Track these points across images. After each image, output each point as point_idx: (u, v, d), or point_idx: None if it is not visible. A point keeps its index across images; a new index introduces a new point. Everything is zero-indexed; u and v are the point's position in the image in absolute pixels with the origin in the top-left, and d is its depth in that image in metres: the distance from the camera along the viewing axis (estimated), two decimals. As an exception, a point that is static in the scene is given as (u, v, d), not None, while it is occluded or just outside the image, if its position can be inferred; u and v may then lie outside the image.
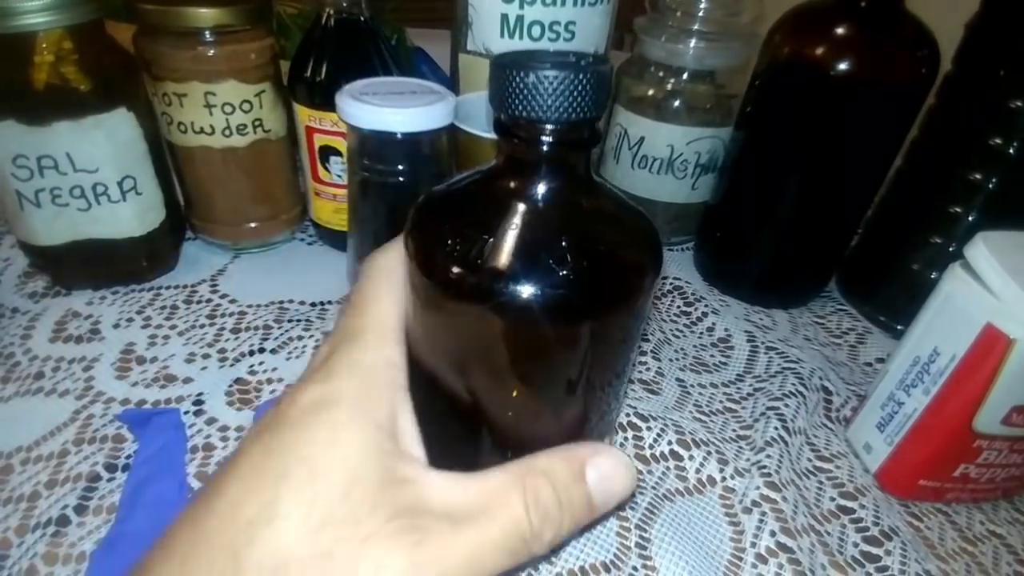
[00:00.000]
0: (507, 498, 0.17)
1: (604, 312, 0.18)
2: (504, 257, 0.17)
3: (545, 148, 0.17)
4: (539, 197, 0.17)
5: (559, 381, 0.19)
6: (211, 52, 0.35)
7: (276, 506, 0.15)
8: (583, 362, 0.19)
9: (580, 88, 0.15)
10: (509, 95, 0.16)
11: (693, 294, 0.44)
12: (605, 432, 0.24)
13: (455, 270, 0.17)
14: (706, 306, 0.43)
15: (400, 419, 0.18)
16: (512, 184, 0.18)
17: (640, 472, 0.31)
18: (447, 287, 0.17)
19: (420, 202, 0.20)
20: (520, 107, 0.16)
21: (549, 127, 0.16)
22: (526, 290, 0.16)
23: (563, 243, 0.17)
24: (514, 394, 0.19)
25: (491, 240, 0.17)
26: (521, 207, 0.17)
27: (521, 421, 0.20)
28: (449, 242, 0.17)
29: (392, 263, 0.20)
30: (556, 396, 0.19)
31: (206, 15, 0.34)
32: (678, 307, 0.43)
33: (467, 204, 0.19)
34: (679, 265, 0.47)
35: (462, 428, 0.21)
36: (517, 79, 0.15)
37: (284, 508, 0.15)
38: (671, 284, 0.45)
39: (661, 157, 0.44)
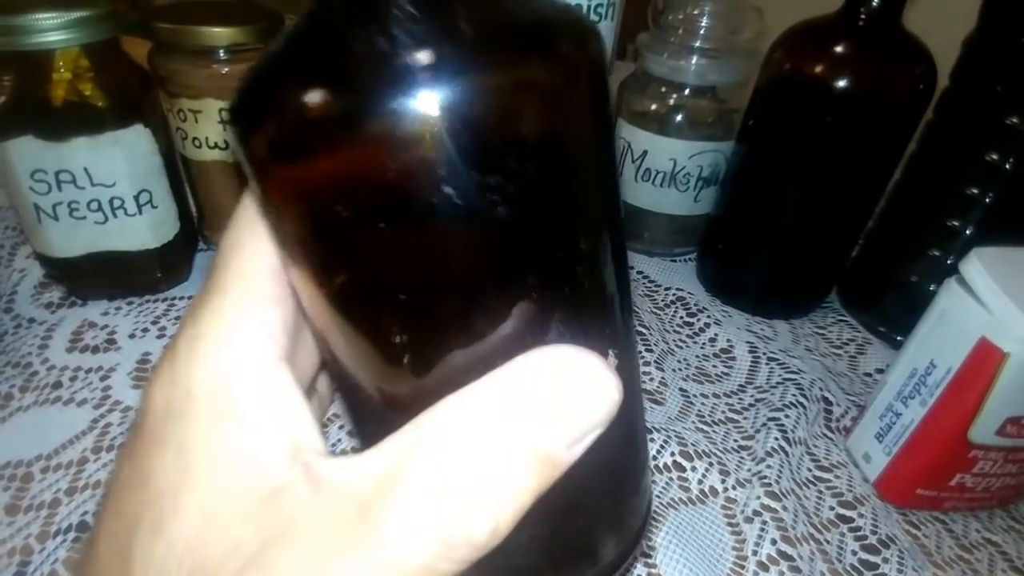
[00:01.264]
0: (398, 491, 0.11)
1: (568, 71, 0.12)
2: (377, 60, 0.10)
3: None
4: None
5: (520, 246, 0.12)
6: (225, 70, 0.36)
7: (130, 568, 0.12)
8: (552, 187, 0.12)
9: None
10: None
11: (696, 305, 0.45)
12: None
13: (312, 101, 0.11)
14: (708, 317, 0.43)
15: (277, 401, 0.13)
16: None
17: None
18: (309, 138, 0.11)
19: (237, 90, 0.12)
20: None
21: None
22: (439, 79, 0.10)
23: (460, 24, 0.11)
24: (450, 291, 0.12)
25: (351, 55, 0.11)
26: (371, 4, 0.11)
27: (453, 351, 0.12)
28: (292, 88, 0.11)
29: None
30: (515, 277, 0.12)
31: (221, 34, 0.35)
32: (681, 318, 0.44)
33: (297, 54, 0.12)
34: (682, 276, 0.48)
35: (379, 383, 0.14)
36: None
37: (138, 569, 0.12)
38: (674, 295, 0.46)
39: (664, 170, 0.45)
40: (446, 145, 0.10)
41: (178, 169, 0.40)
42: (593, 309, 0.13)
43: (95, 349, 0.36)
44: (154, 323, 0.38)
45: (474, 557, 0.11)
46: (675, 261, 0.50)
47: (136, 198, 0.36)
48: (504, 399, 0.11)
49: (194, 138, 0.38)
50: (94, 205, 0.35)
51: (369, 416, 0.15)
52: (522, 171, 0.11)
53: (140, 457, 0.13)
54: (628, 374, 0.14)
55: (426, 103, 0.10)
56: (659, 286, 0.47)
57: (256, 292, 0.14)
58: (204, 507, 0.12)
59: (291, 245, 0.13)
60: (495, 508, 0.11)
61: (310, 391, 0.18)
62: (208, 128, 0.37)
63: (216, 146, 0.38)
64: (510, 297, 0.12)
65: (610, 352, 0.13)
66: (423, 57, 0.10)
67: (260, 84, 0.12)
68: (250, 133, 0.12)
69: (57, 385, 0.34)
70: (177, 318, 0.39)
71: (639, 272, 0.48)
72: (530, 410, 0.11)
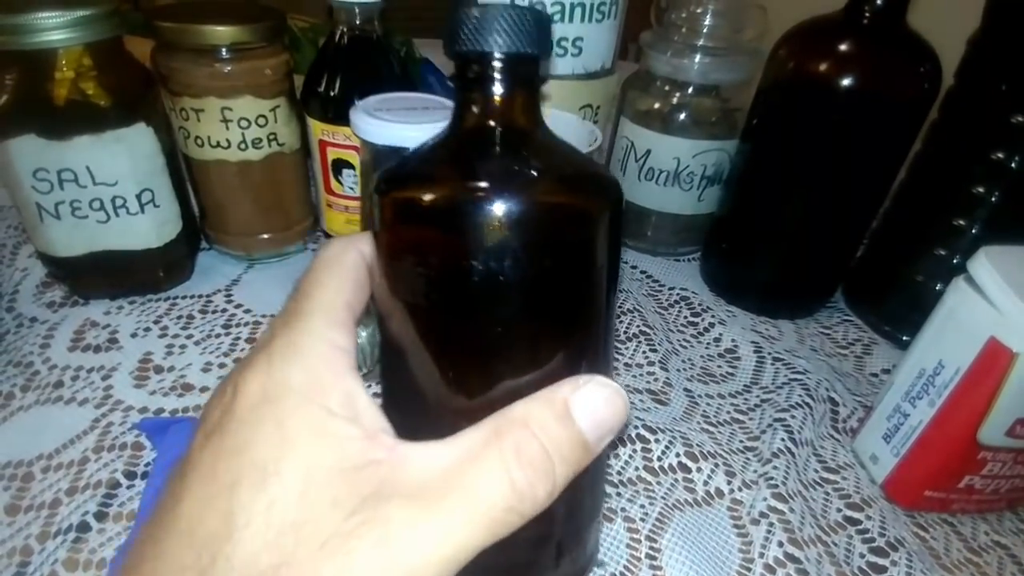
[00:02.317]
0: (483, 459, 0.15)
1: (577, 220, 0.18)
2: (471, 177, 0.17)
3: (494, 82, 0.17)
4: (494, 135, 0.18)
5: (550, 308, 0.18)
6: (228, 69, 0.36)
7: (233, 518, 0.14)
8: (563, 286, 0.18)
9: (523, 23, 0.17)
10: (457, 33, 0.17)
11: (700, 304, 0.44)
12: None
13: (426, 198, 0.18)
14: (713, 316, 0.43)
15: (356, 398, 0.16)
16: (470, 124, 0.18)
17: (649, 484, 0.31)
18: (427, 218, 0.18)
19: (382, 171, 0.20)
20: (468, 39, 0.17)
21: (498, 56, 0.17)
22: (503, 200, 0.16)
23: (531, 163, 0.18)
24: (498, 338, 0.18)
25: (457, 170, 0.18)
26: (483, 143, 0.18)
27: (502, 376, 0.18)
28: (417, 181, 0.18)
29: (341, 252, 0.20)
30: (544, 330, 0.18)
31: (223, 33, 0.35)
32: (685, 317, 0.43)
33: (434, 156, 0.19)
34: (686, 275, 0.48)
35: (441, 400, 0.19)
36: (463, 18, 0.17)
37: (241, 519, 0.14)
38: (678, 294, 0.45)
39: (667, 169, 0.44)
40: (488, 242, 0.17)
41: (180, 168, 0.40)
42: (605, 352, 0.20)
43: (97, 348, 0.36)
44: (156, 322, 0.38)
45: (533, 513, 0.15)
46: (679, 260, 0.50)
47: (138, 197, 0.36)
48: (563, 403, 0.16)
49: (196, 137, 0.38)
50: (96, 204, 0.35)
51: (424, 415, 0.19)
52: (548, 268, 0.18)
53: (234, 433, 0.16)
54: None
55: (483, 217, 0.16)
56: (663, 285, 0.46)
57: (335, 318, 0.18)
58: (303, 472, 0.15)
59: (393, 279, 0.19)
60: (553, 476, 0.16)
61: None
62: (210, 127, 0.37)
63: (218, 145, 0.38)
64: (550, 341, 0.18)
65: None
66: (492, 186, 0.16)
67: (400, 174, 0.19)
68: (384, 199, 0.18)
69: (58, 384, 0.34)
70: (179, 317, 0.39)
71: (643, 272, 0.48)
72: (582, 412, 0.16)
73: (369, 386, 0.36)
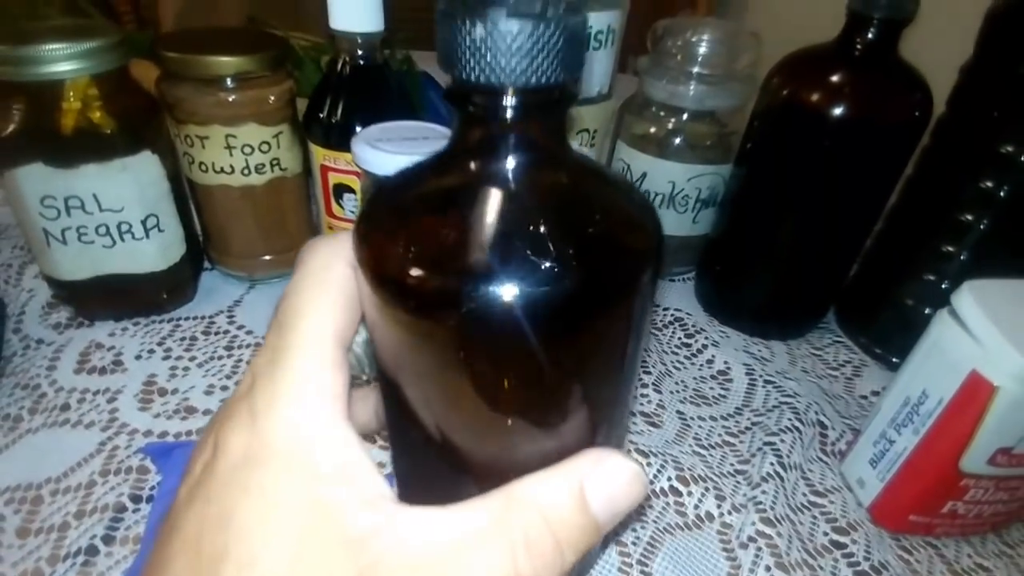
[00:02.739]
0: (490, 542, 0.14)
1: (601, 309, 0.15)
2: (472, 253, 0.14)
3: (507, 117, 0.13)
4: (507, 176, 0.14)
5: (552, 397, 0.16)
6: (232, 97, 0.37)
7: None
8: (579, 372, 0.16)
9: (544, 44, 0.12)
10: (458, 55, 0.13)
11: (694, 325, 0.45)
12: (615, 444, 0.20)
13: (413, 274, 0.14)
14: (706, 338, 0.44)
15: (348, 457, 0.15)
16: (472, 164, 0.15)
17: (641, 507, 0.32)
18: (406, 297, 0.14)
19: (369, 198, 0.16)
20: (471, 69, 0.13)
21: (509, 91, 0.13)
22: (503, 291, 0.13)
23: (542, 229, 0.14)
24: (500, 415, 0.16)
25: (451, 236, 0.14)
26: (486, 190, 0.14)
27: (510, 445, 0.16)
28: (403, 242, 0.15)
29: (326, 266, 0.17)
30: (550, 414, 0.16)
31: (228, 63, 0.35)
32: (679, 339, 0.44)
33: (422, 195, 0.16)
34: (680, 296, 0.48)
35: (441, 458, 0.17)
36: (464, 33, 0.12)
37: None
38: (672, 315, 0.46)
39: (663, 192, 0.45)
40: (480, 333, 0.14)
41: (184, 192, 0.40)
42: (624, 413, 0.18)
43: (102, 370, 0.37)
44: (160, 344, 0.39)
45: None
46: (673, 281, 0.50)
47: (144, 222, 0.37)
48: (579, 488, 0.15)
49: (201, 163, 0.39)
50: (102, 230, 0.36)
51: (426, 473, 0.18)
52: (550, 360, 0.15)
53: (217, 499, 0.15)
54: None
55: (486, 315, 0.13)
56: (657, 305, 0.47)
57: (323, 356, 0.16)
58: (292, 547, 0.14)
59: (389, 342, 0.16)
60: (561, 566, 0.14)
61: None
62: (214, 153, 0.38)
63: (222, 171, 0.39)
64: (566, 410, 0.16)
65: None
66: (498, 267, 0.13)
67: (384, 219, 0.16)
68: (377, 278, 0.15)
69: (65, 407, 0.34)
70: (182, 338, 0.40)
71: (638, 291, 0.49)
72: (598, 496, 0.15)
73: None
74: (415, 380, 0.16)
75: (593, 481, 0.15)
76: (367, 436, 0.28)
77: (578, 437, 0.17)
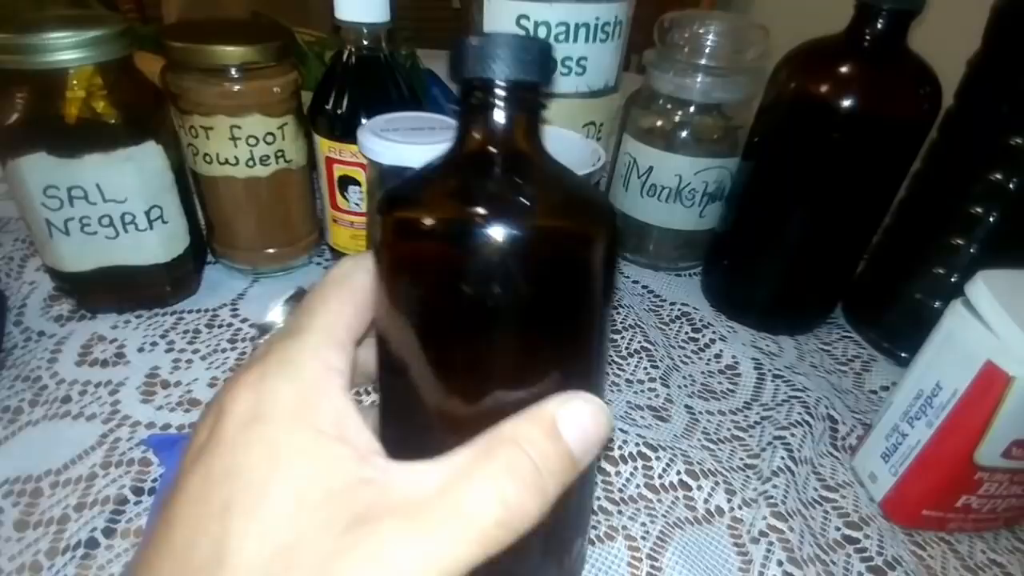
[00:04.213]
0: (474, 476, 0.15)
1: (570, 253, 0.18)
2: (472, 201, 0.17)
3: (498, 104, 0.18)
4: (498, 157, 0.18)
5: (530, 341, 0.19)
6: (237, 88, 0.36)
7: (225, 544, 0.14)
8: (552, 315, 0.19)
9: (524, 51, 0.17)
10: (464, 59, 0.17)
11: (701, 320, 0.45)
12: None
13: (426, 221, 0.18)
14: (714, 332, 0.43)
15: (346, 419, 0.16)
16: (472, 144, 0.19)
17: (651, 502, 0.31)
18: (420, 238, 0.18)
19: (385, 192, 0.20)
20: (473, 67, 0.17)
21: (501, 84, 0.17)
22: (500, 227, 0.16)
23: (528, 188, 0.18)
24: (485, 362, 0.19)
25: (461, 195, 0.18)
26: (482, 167, 0.19)
27: (490, 396, 0.19)
28: (418, 202, 0.19)
29: (350, 271, 0.20)
30: (527, 360, 0.19)
31: (233, 53, 0.35)
32: (686, 333, 0.44)
33: (434, 177, 0.20)
34: (687, 290, 0.48)
35: (427, 417, 0.20)
36: (470, 44, 0.17)
37: (234, 544, 0.14)
38: (679, 310, 0.46)
39: (669, 186, 0.45)
40: (484, 268, 0.17)
41: (188, 184, 0.40)
42: (597, 370, 0.21)
43: (104, 363, 0.36)
44: (163, 337, 0.39)
45: (525, 528, 0.15)
46: (680, 275, 0.50)
47: (147, 214, 0.36)
48: (551, 420, 0.17)
49: (205, 154, 0.38)
50: (105, 220, 0.36)
51: (418, 434, 0.20)
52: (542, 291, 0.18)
53: (222, 455, 0.16)
54: None
55: (479, 242, 0.17)
56: (664, 300, 0.47)
57: (333, 338, 0.18)
58: (294, 493, 0.15)
59: (391, 295, 0.19)
60: (543, 491, 0.16)
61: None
62: (219, 144, 0.38)
63: (227, 162, 0.38)
64: (543, 361, 0.19)
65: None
66: (490, 213, 0.17)
67: (401, 195, 0.19)
68: (386, 219, 0.18)
69: (66, 399, 0.34)
70: (185, 331, 0.39)
71: (644, 286, 0.48)
72: (569, 428, 0.17)
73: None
74: (412, 340, 0.19)
75: (562, 414, 0.17)
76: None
77: (550, 389, 0.19)
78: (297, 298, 0.22)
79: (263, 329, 0.21)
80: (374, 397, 0.36)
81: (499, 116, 0.18)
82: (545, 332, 0.19)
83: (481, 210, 0.17)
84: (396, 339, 0.19)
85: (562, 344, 0.19)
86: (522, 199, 0.18)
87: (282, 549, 0.14)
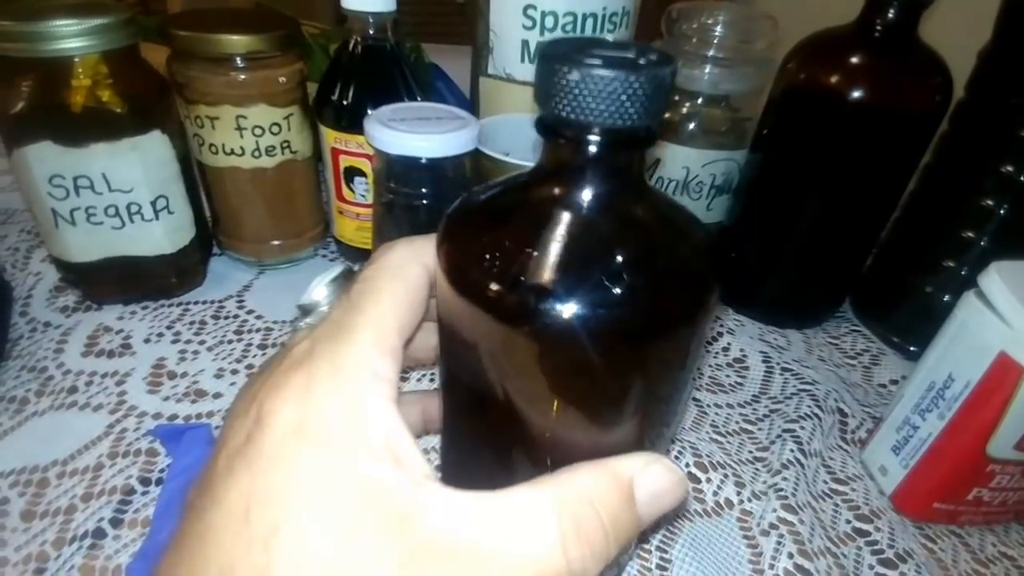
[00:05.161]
0: (542, 528, 0.14)
1: (663, 335, 0.16)
2: (548, 273, 0.15)
3: (591, 151, 0.15)
4: (586, 205, 0.16)
5: (609, 408, 0.17)
6: (243, 77, 0.36)
7: (270, 573, 0.13)
8: (635, 388, 0.17)
9: (632, 92, 0.14)
10: (553, 92, 0.14)
11: (707, 313, 0.45)
12: (659, 448, 0.21)
13: (493, 287, 0.15)
14: (721, 326, 0.43)
15: (398, 438, 0.15)
16: (555, 191, 0.16)
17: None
18: (483, 306, 0.16)
19: (452, 210, 0.18)
20: (564, 106, 0.14)
21: (596, 130, 0.15)
22: (573, 310, 0.15)
23: (615, 257, 0.16)
24: (556, 419, 0.17)
25: (533, 254, 0.15)
26: (566, 216, 0.16)
27: (563, 444, 0.18)
28: (486, 256, 0.16)
29: (404, 263, 0.18)
30: (603, 422, 0.18)
31: (239, 42, 0.35)
32: (693, 326, 0.44)
33: (505, 213, 0.18)
34: (693, 284, 0.48)
35: (495, 449, 0.19)
36: (561, 75, 0.14)
37: (280, 574, 0.13)
38: (686, 303, 0.46)
39: (677, 179, 0.45)
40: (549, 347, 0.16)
41: (194, 175, 0.40)
42: (670, 430, 0.20)
43: (110, 354, 0.36)
44: (169, 328, 0.38)
45: None
46: (687, 269, 0.50)
47: (153, 204, 0.36)
48: (628, 484, 0.16)
49: (211, 144, 0.38)
50: (111, 210, 0.35)
51: (474, 463, 0.19)
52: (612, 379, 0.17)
53: (266, 470, 0.14)
54: None
55: (553, 332, 0.15)
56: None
57: (384, 342, 0.16)
58: (343, 524, 0.14)
59: (460, 342, 0.17)
60: (607, 555, 0.15)
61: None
62: (225, 134, 0.38)
63: (232, 152, 0.38)
64: (620, 416, 0.18)
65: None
66: (566, 291, 0.15)
67: (464, 223, 0.18)
68: (457, 284, 0.17)
69: (73, 390, 0.34)
70: (192, 322, 0.39)
71: (651, 280, 0.48)
72: (644, 496, 0.16)
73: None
74: (481, 375, 0.17)
75: (641, 480, 0.16)
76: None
77: (627, 442, 0.18)
78: (344, 278, 0.20)
79: (306, 310, 0.19)
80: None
81: (594, 166, 0.16)
82: (624, 398, 0.17)
83: (559, 284, 0.15)
84: (463, 360, 0.18)
85: (645, 401, 0.18)
86: (608, 275, 0.15)
87: None
